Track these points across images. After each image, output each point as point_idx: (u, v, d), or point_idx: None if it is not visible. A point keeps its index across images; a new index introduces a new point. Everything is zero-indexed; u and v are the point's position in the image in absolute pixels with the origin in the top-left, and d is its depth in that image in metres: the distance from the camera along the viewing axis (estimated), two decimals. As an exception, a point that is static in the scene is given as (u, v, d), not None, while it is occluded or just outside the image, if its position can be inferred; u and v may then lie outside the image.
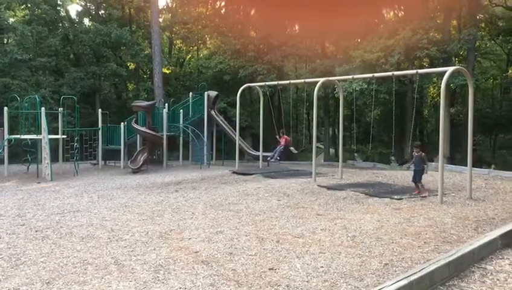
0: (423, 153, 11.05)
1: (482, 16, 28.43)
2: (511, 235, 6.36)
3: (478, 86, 29.04)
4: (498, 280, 5.02)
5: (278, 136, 19.19)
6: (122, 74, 30.14)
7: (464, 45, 23.70)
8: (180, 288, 4.93)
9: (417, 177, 10.85)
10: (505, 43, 29.00)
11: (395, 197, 10.37)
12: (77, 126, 19.41)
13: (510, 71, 31.68)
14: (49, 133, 16.62)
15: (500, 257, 5.78)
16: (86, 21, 33.77)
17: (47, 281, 5.23)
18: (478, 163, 21.36)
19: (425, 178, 13.50)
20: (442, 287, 4.78)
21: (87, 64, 29.76)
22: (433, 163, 19.12)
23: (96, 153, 20.58)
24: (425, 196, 10.37)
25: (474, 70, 25.63)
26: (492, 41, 30.69)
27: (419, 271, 4.71)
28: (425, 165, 10.90)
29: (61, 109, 18.04)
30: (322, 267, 5.53)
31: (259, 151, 18.41)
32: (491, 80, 34.48)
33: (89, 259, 6.04)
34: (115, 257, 6.09)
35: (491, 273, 5.19)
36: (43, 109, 16.63)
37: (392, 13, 31.64)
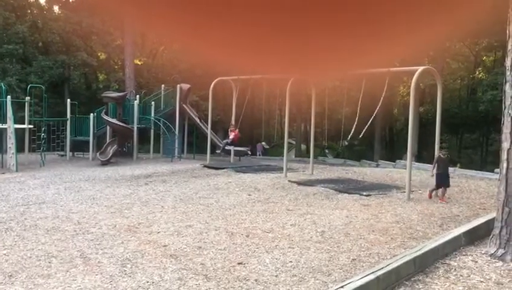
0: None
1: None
2: (474, 233, 6.54)
3: (446, 86, 29.69)
4: (461, 275, 5.15)
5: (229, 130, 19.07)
6: (92, 64, 29.50)
7: (434, 45, 24.18)
8: (148, 282, 4.87)
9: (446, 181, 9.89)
10: (472, 46, 29.72)
11: (364, 193, 10.52)
12: (44, 116, 18.91)
13: (477, 73, 32.53)
14: (15, 122, 16.15)
15: (463, 253, 5.94)
16: (56, 8, 32.89)
17: (9, 274, 5.09)
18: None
19: (393, 175, 13.77)
20: (408, 283, 4.87)
21: (56, 52, 28.96)
22: (402, 161, 19.49)
23: (64, 144, 20.12)
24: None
25: (443, 71, 26.18)
26: (461, 43, 31.42)
27: (386, 266, 4.79)
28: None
29: (28, 98, 17.54)
30: (290, 262, 5.56)
31: (231, 145, 18.35)
32: (459, 81, 35.34)
33: (53, 252, 5.90)
34: (81, 250, 5.98)
35: (455, 269, 5.32)
36: (8, 97, 16.13)
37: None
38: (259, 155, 19.95)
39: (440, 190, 9.89)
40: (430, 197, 9.98)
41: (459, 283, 4.92)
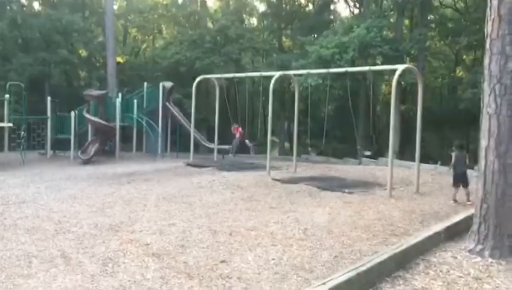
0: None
1: (432, 16, 29.45)
2: (454, 229, 6.64)
3: (427, 85, 30.04)
4: (441, 271, 5.23)
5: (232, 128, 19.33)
6: (73, 61, 29.12)
7: (415, 44, 24.48)
8: (129, 281, 4.84)
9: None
10: (453, 44, 30.13)
11: (347, 191, 10.59)
12: (24, 114, 18.62)
13: (457, 71, 32.98)
14: (-6, 120, 15.89)
15: (443, 249, 6.03)
16: (36, 5, 32.39)
17: (-12, 275, 5.01)
18: (425, 159, 22.13)
19: (375, 173, 13.88)
20: (389, 279, 4.93)
21: (36, 50, 28.49)
22: (384, 158, 19.68)
23: (44, 142, 19.85)
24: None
25: (424, 70, 26.47)
26: (442, 42, 31.84)
27: (367, 263, 4.84)
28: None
29: (7, 96, 17.25)
30: (273, 259, 5.58)
31: (214, 143, 18.34)
32: (440, 79, 35.78)
33: (34, 252, 5.82)
34: (61, 250, 5.91)
35: (435, 265, 5.40)
36: (-13, 95, 15.87)
37: (348, 10, 32.31)
38: (254, 154, 20.01)
39: (460, 189, 9.36)
40: (470, 200, 9.03)
41: (438, 279, 4.99)
